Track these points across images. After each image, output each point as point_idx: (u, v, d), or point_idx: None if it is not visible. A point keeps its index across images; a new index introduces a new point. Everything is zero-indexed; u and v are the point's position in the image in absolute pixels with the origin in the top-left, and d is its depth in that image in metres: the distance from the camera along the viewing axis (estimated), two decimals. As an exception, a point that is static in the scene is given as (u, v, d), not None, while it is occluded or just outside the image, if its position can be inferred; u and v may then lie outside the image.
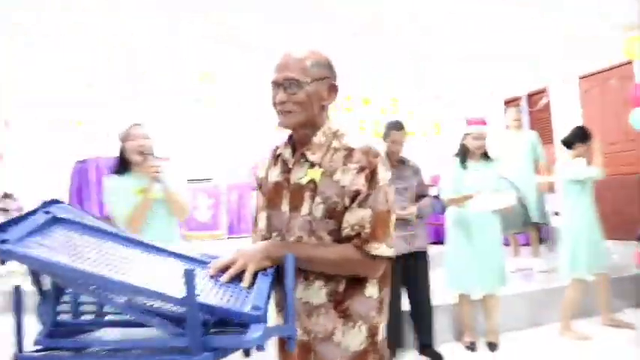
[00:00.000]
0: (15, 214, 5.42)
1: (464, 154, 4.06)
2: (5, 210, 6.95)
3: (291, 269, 1.32)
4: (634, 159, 6.63)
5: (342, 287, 1.51)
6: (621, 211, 6.21)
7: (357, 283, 1.52)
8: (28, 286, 1.24)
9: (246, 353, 1.28)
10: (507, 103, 9.34)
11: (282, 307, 1.59)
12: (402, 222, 3.90)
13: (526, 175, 5.66)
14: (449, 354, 4.06)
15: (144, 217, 2.88)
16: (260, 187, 1.72)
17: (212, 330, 1.16)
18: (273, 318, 1.49)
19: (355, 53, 7.94)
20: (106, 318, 1.31)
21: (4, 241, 1.09)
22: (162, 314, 1.13)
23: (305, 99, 1.50)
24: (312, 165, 1.53)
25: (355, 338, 1.51)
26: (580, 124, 4.74)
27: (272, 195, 1.62)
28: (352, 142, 1.54)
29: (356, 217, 1.48)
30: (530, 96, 8.89)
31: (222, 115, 8.87)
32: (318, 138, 1.55)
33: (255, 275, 1.37)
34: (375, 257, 1.50)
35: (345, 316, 1.51)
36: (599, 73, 7.59)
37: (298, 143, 1.59)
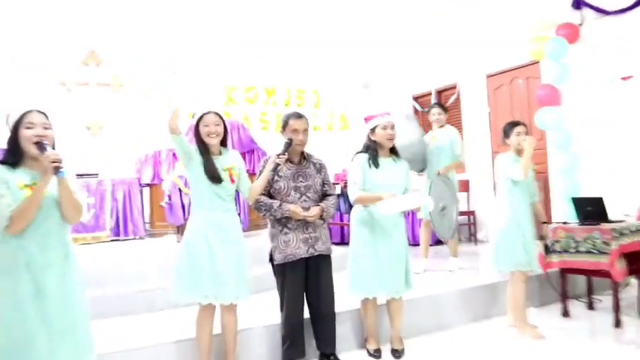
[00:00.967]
0: None
1: (374, 149, 3.82)
2: None
3: None
4: (543, 158, 6.73)
5: None
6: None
7: None
8: None
9: None
10: (416, 99, 9.34)
11: None
12: (303, 223, 3.63)
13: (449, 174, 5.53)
14: (352, 363, 3.84)
15: (31, 216, 2.42)
16: None
17: None
18: None
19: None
20: None
21: None
22: None
23: None
24: None
25: None
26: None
27: None
28: None
29: None
30: (439, 92, 8.92)
31: (108, 101, 8.17)
32: None
33: None
34: None
35: None
36: (506, 72, 7.68)
37: None
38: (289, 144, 3.60)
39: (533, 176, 4.45)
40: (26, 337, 2.37)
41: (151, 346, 3.54)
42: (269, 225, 3.76)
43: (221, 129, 3.36)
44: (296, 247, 3.62)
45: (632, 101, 5.82)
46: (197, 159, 3.32)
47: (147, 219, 7.38)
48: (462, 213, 6.95)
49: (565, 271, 4.86)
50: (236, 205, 3.58)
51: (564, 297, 4.86)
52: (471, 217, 7.82)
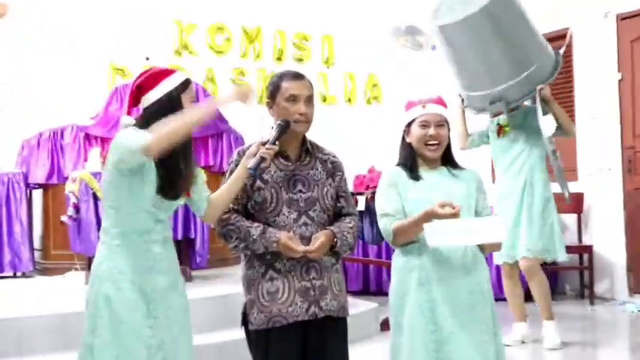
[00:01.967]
0: None
1: (411, 157, 2.56)
2: None
3: None
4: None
5: None
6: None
7: None
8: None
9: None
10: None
11: None
12: (302, 262, 2.41)
13: None
14: None
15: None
16: None
17: None
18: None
19: None
20: None
21: None
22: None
23: None
24: None
25: None
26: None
27: None
28: None
29: None
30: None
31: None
32: None
33: None
34: None
35: None
36: None
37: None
38: (284, 126, 2.42)
39: None
40: None
41: None
42: (243, 264, 2.55)
43: None
44: (288, 302, 2.44)
45: None
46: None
47: (37, 244, 5.34)
48: (567, 249, 4.41)
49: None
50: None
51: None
52: (584, 255, 5.34)
